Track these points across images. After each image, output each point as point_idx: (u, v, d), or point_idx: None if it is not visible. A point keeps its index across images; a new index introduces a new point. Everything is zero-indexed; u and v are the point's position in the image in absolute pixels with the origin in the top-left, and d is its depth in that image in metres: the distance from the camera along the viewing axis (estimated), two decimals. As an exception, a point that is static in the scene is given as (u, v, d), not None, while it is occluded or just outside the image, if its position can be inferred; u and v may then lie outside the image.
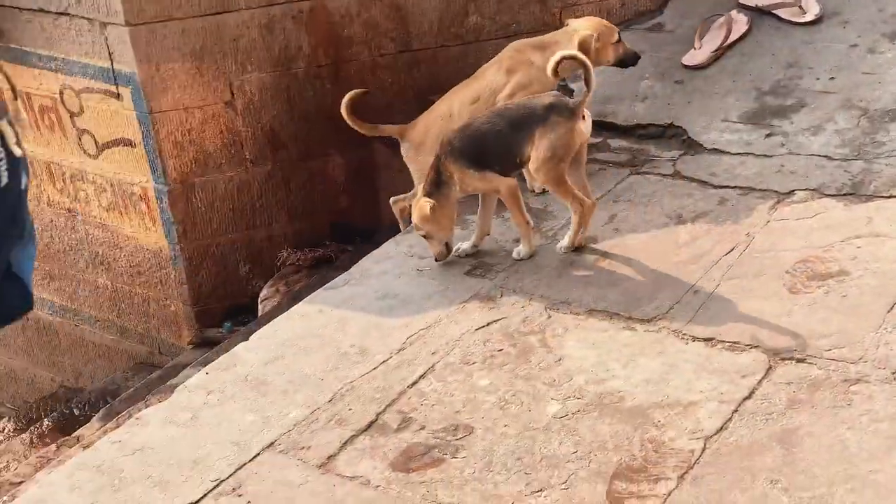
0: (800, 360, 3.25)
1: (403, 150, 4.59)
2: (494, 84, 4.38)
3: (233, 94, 4.98)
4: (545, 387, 3.31)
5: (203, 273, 5.19)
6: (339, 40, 5.06)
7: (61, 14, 4.90)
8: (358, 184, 5.32)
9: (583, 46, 4.17)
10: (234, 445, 3.25)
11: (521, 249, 4.00)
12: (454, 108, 4.45)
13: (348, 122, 4.55)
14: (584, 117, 3.84)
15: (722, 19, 5.11)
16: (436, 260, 4.02)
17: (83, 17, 4.84)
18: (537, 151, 3.81)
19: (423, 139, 4.48)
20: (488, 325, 3.66)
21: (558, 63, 3.84)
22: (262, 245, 5.25)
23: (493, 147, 3.87)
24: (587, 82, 3.81)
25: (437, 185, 3.89)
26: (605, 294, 3.69)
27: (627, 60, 4.43)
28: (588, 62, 3.81)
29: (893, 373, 3.11)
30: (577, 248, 3.97)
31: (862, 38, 4.96)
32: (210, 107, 4.97)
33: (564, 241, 3.98)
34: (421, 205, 3.89)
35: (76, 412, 5.21)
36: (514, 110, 3.90)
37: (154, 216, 5.13)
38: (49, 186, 5.45)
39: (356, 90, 4.63)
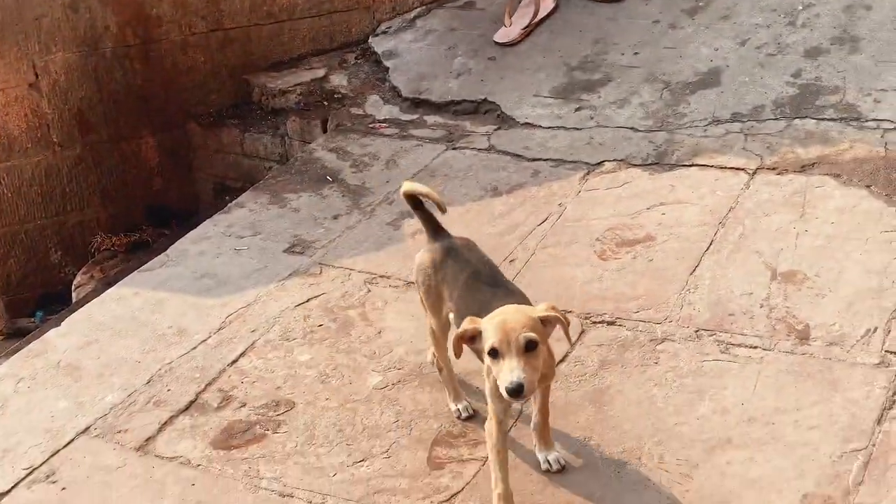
0: (610, 323, 3.37)
1: None
2: None
3: (37, 75, 4.81)
4: (365, 359, 3.33)
5: (12, 261, 5.01)
6: (147, 19, 4.94)
7: None
8: (173, 165, 5.22)
9: None
10: (47, 433, 3.16)
11: None
12: None
13: None
14: None
15: (530, -2, 5.22)
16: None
17: None
18: None
19: None
20: (308, 301, 3.66)
21: None
22: (74, 231, 5.10)
23: None
24: None
25: None
26: (423, 266, 3.72)
27: None
28: None
29: (696, 331, 3.26)
30: None
31: (663, 15, 5.15)
32: (12, 89, 4.80)
33: None
34: None
35: None
36: None
37: (-44, 203, 4.92)
38: None
39: None
